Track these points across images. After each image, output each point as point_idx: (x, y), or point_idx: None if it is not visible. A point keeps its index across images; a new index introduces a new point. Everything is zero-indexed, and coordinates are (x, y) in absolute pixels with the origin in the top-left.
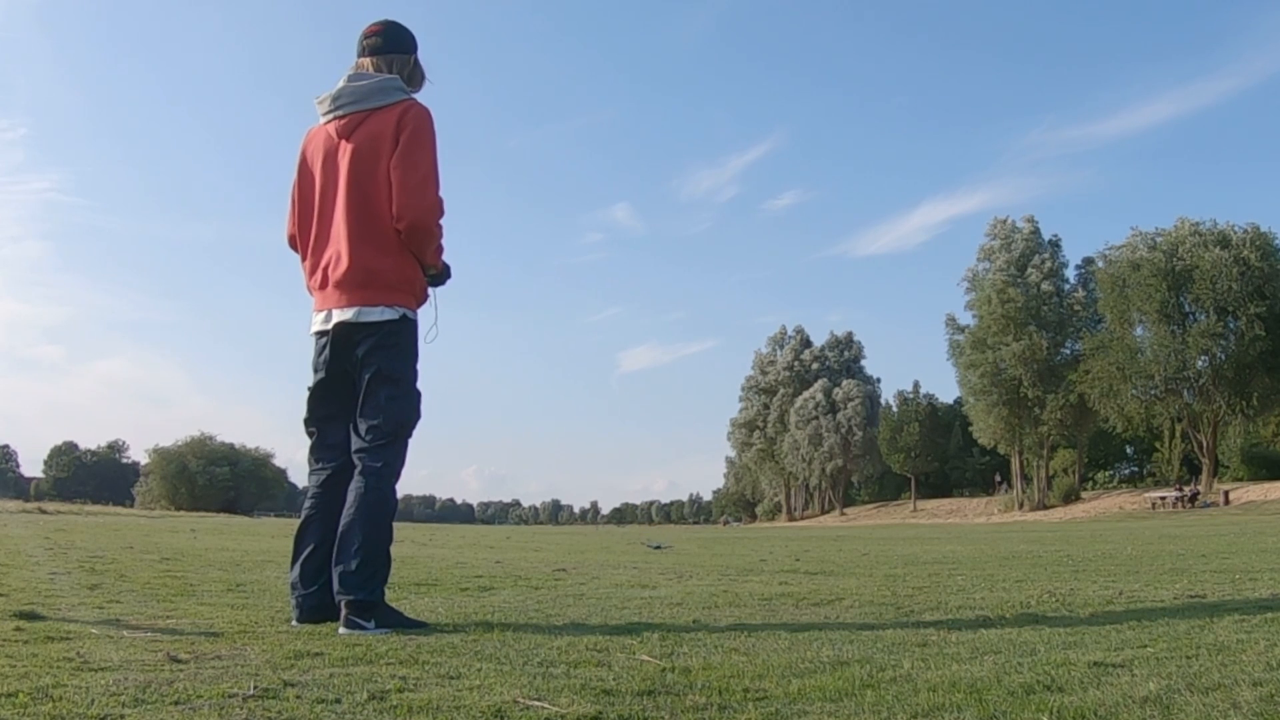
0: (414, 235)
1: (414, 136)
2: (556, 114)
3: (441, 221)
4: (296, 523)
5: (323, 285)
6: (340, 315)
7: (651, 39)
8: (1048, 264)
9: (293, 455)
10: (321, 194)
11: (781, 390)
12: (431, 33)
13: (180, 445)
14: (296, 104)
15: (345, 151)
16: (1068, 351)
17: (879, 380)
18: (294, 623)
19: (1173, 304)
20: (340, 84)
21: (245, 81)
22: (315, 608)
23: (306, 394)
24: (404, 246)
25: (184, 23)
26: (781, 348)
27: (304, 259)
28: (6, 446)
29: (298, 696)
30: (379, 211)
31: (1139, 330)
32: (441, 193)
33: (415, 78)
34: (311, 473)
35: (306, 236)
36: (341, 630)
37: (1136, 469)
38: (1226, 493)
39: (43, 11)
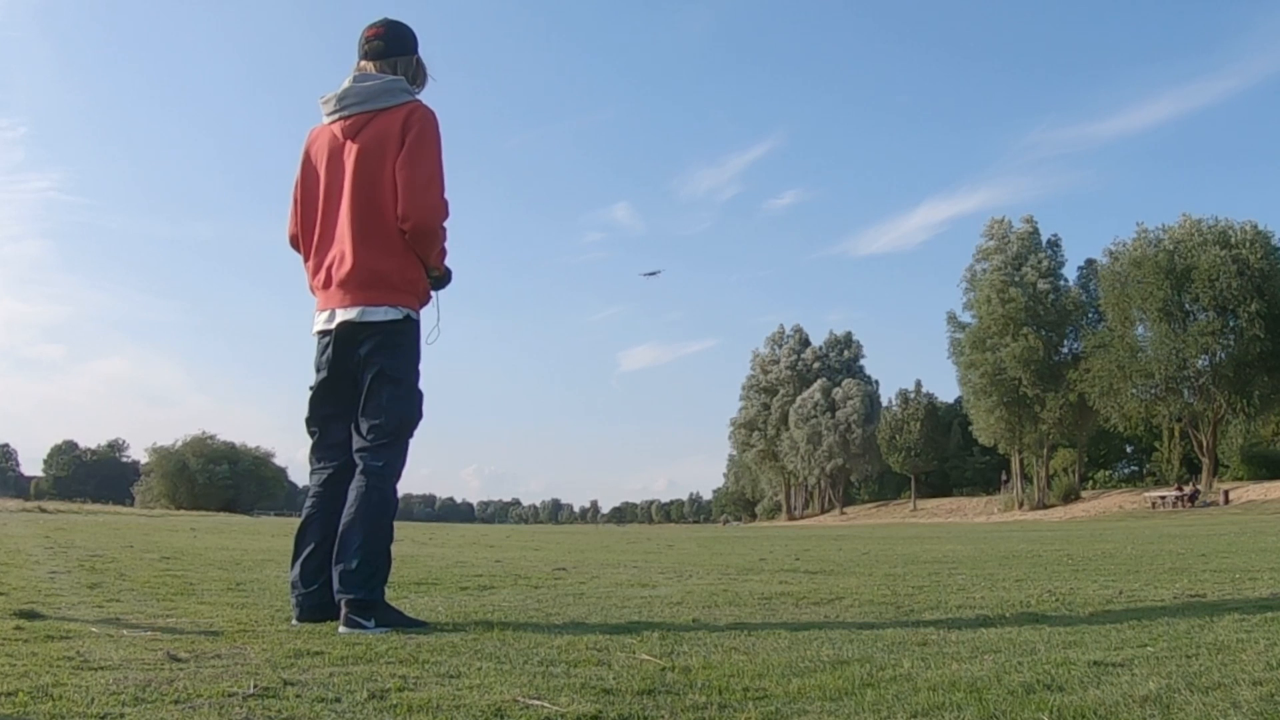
0: (419, 236)
1: (420, 138)
2: (557, 114)
3: (445, 223)
4: (296, 522)
5: (326, 285)
6: (344, 315)
7: (651, 39)
8: (1045, 263)
9: (293, 454)
10: (326, 194)
11: (782, 390)
12: (431, 32)
13: (180, 444)
14: (295, 104)
15: (351, 152)
16: (1067, 351)
17: (877, 381)
18: (294, 622)
19: (1174, 302)
20: (345, 84)
21: (244, 81)
22: (315, 607)
23: (308, 393)
24: (408, 247)
25: (183, 23)
26: (780, 347)
27: (306, 259)
28: (6, 445)
29: (298, 695)
30: (384, 212)
31: (1140, 329)
32: (446, 194)
33: (419, 76)
34: (313, 472)
35: (310, 236)
36: (341, 629)
37: (1136, 468)
38: (1226, 492)
39: (43, 11)
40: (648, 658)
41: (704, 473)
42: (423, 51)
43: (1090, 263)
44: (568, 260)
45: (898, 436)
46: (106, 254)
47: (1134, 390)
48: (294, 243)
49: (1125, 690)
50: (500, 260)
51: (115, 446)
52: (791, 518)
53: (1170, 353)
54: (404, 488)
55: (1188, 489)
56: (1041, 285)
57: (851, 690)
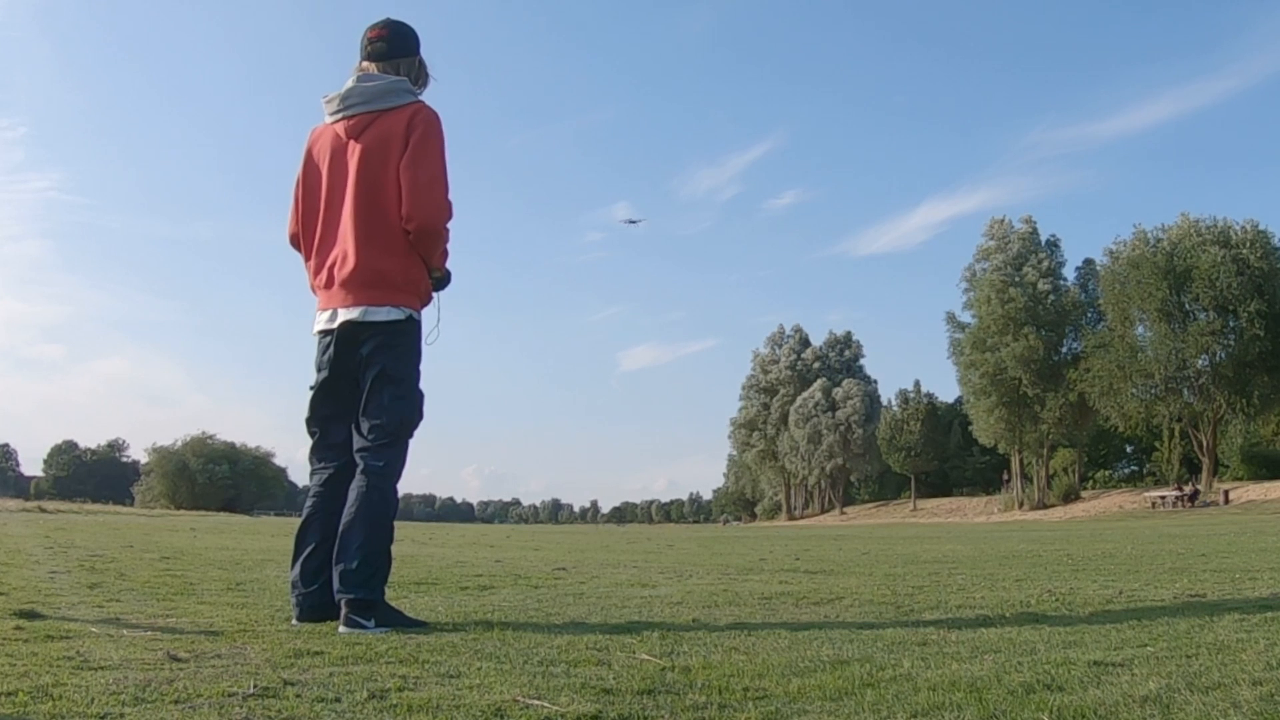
0: (423, 237)
1: (424, 139)
2: (557, 114)
3: (449, 224)
4: (296, 522)
5: (328, 284)
6: (346, 314)
7: (651, 39)
8: (1045, 264)
9: (292, 454)
10: (328, 193)
11: (782, 390)
12: (431, 32)
13: (180, 444)
14: (295, 104)
15: (354, 151)
16: (1067, 351)
17: (877, 381)
18: (294, 621)
19: (1173, 302)
20: (349, 83)
21: (244, 81)
22: (315, 606)
23: (309, 393)
24: (411, 248)
25: (183, 23)
26: (780, 347)
27: (307, 258)
28: (6, 445)
29: (298, 695)
30: (387, 212)
31: (1140, 329)
32: (450, 196)
33: (421, 77)
34: (313, 472)
35: (311, 235)
36: (341, 629)
37: (1136, 468)
38: (1226, 492)
39: (43, 11)
40: (648, 658)
41: (704, 473)
42: (423, 52)
43: (1089, 262)
44: (568, 260)
45: (898, 436)
46: (106, 254)
47: (1134, 390)
48: (294, 242)
49: (1125, 690)
50: (500, 260)
51: (115, 446)
52: (791, 518)
53: (1170, 353)
54: (404, 488)
55: (1188, 489)
56: (1041, 285)
57: (851, 690)
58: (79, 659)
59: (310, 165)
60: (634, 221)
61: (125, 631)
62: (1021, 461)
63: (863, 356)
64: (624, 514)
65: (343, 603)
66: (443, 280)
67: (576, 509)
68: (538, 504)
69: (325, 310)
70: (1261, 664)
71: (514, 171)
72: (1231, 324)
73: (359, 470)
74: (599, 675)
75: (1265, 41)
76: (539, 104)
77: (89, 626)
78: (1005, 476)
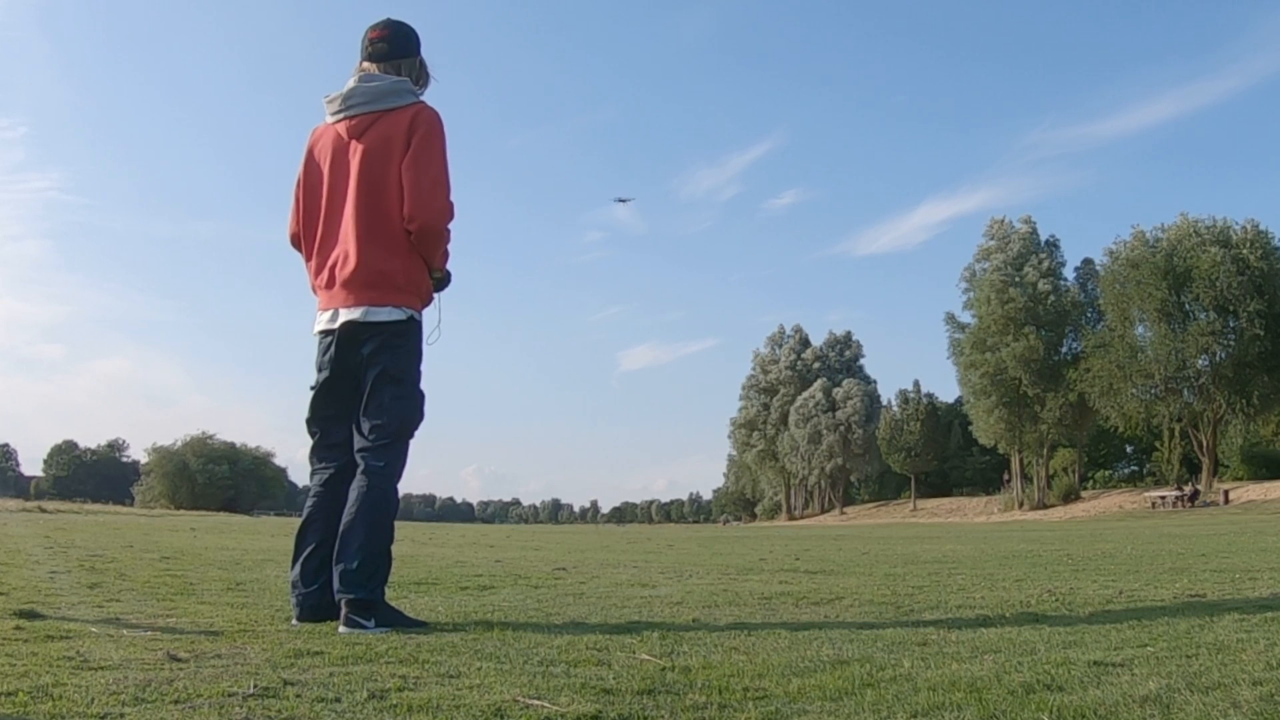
0: (425, 237)
1: (426, 140)
2: (557, 114)
3: (450, 225)
4: (296, 522)
5: (329, 284)
6: (348, 314)
7: (651, 39)
8: (1044, 264)
9: (293, 454)
10: (329, 193)
11: (782, 390)
12: (431, 32)
13: (180, 444)
14: (295, 104)
15: (356, 151)
16: (1067, 351)
17: (876, 381)
18: (294, 621)
19: (1173, 303)
20: (351, 84)
21: (244, 81)
22: (315, 606)
23: (310, 393)
24: (412, 248)
25: (183, 23)
26: (780, 347)
27: (309, 258)
28: (6, 445)
29: (298, 695)
30: (389, 212)
31: (1140, 329)
32: (452, 196)
33: (421, 78)
34: (314, 472)
35: (312, 235)
36: (342, 629)
37: (1136, 468)
38: (1226, 492)
39: (43, 11)
40: (648, 658)
41: (704, 473)
42: (424, 52)
43: (1088, 262)
44: (568, 260)
45: (898, 436)
46: (106, 254)
47: (1134, 390)
48: (295, 241)
49: (1125, 690)
50: (500, 260)
51: (115, 446)
52: (791, 518)
53: (1170, 353)
54: (404, 488)
55: (1188, 489)
56: (1041, 285)
57: (851, 690)
58: (79, 659)
59: (311, 165)
60: (623, 200)
61: (125, 631)
62: (1021, 461)
63: (863, 356)
64: (624, 514)
65: (343, 603)
66: (443, 281)
67: (576, 509)
68: (538, 504)
69: (326, 310)
70: (1261, 664)
71: (514, 171)
72: (1231, 324)
73: (359, 470)
74: (599, 675)
75: (1265, 41)
76: (539, 104)
77: (89, 626)
78: (1005, 476)
